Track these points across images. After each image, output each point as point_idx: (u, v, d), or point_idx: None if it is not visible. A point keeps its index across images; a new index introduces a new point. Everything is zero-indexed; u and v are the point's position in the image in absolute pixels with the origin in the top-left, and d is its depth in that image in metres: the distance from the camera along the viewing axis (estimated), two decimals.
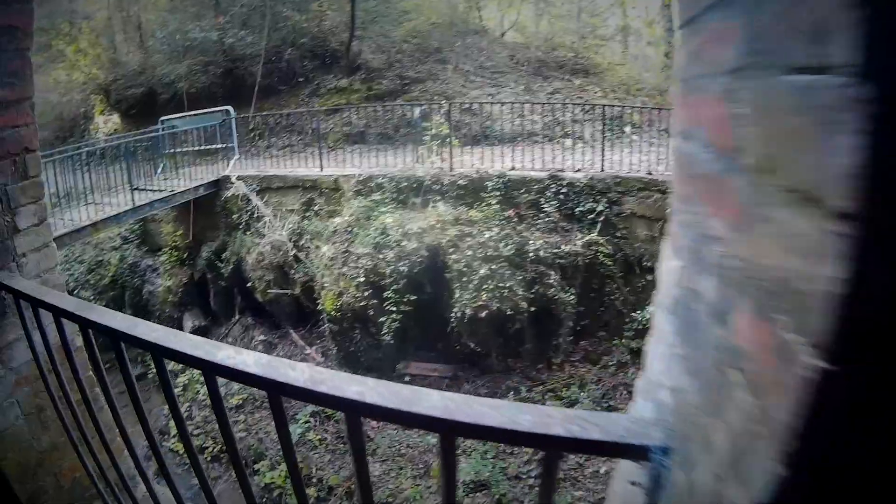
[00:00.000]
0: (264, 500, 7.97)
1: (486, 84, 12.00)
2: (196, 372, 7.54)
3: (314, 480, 7.89)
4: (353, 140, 11.12)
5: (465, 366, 8.78)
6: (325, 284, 9.03)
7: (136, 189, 9.80)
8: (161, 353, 1.16)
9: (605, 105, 10.02)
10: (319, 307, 9.24)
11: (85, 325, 1.41)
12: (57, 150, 10.26)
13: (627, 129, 10.57)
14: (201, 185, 10.48)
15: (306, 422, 8.57)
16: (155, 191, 10.20)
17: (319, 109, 11.23)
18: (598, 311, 8.62)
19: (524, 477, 7.63)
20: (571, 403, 8.09)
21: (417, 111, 10.27)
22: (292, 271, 9.79)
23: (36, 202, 2.14)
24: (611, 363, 8.47)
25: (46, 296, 1.57)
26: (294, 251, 9.65)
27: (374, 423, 8.23)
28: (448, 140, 9.08)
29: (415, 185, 8.82)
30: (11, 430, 2.15)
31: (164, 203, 10.05)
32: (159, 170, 11.53)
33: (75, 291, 11.63)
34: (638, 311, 8.29)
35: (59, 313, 1.51)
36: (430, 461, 7.84)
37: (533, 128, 10.53)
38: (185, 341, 1.14)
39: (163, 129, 11.69)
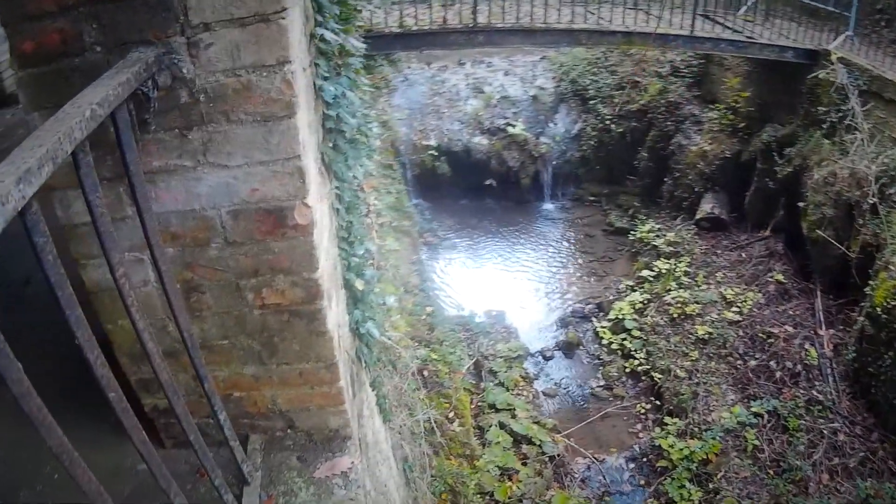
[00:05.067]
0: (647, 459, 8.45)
1: None
2: (683, 263, 9.18)
3: (710, 489, 7.80)
4: None
5: None
6: (892, 265, 8.07)
7: (701, 16, 10.15)
8: None
9: None
10: (867, 288, 8.42)
11: None
12: None
13: None
14: (790, 49, 10.19)
15: (758, 414, 8.40)
16: (727, 28, 10.40)
17: None
18: None
19: None
20: None
21: None
22: (860, 220, 8.96)
23: None
24: None
25: None
26: (875, 196, 8.75)
27: None
28: None
29: None
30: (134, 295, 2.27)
31: (734, 48, 10.27)
32: (743, 7, 11.58)
33: (592, 102, 13.21)
34: None
35: None
36: None
37: None
38: None
39: None
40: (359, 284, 3.25)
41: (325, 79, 2.69)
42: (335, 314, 2.51)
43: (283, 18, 1.78)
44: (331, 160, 2.79)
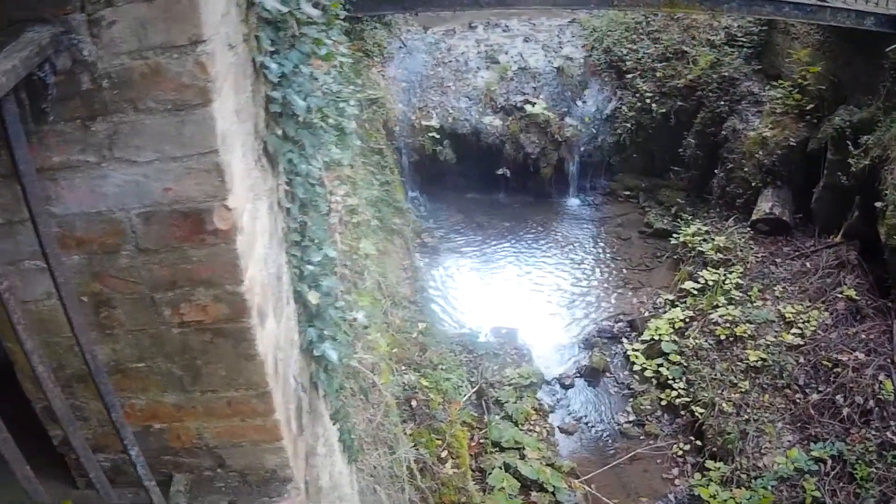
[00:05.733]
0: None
1: None
2: (735, 274, 10.03)
3: None
4: None
5: None
6: None
7: None
8: None
9: None
10: None
11: None
12: None
13: None
14: (870, 15, 10.04)
15: (820, 459, 8.37)
16: None
17: None
18: None
19: None
20: None
21: None
22: None
23: None
24: None
25: None
26: None
27: None
28: None
29: None
30: (35, 309, 2.32)
31: (800, 12, 10.14)
32: None
33: (630, 76, 13.31)
34: None
35: None
36: None
37: None
38: None
39: None
40: (312, 298, 3.35)
41: (273, 53, 2.79)
42: (271, 334, 2.61)
43: None
44: (276, 150, 2.89)
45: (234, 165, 2.20)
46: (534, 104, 13.05)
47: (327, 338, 3.60)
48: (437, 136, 12.81)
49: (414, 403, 7.44)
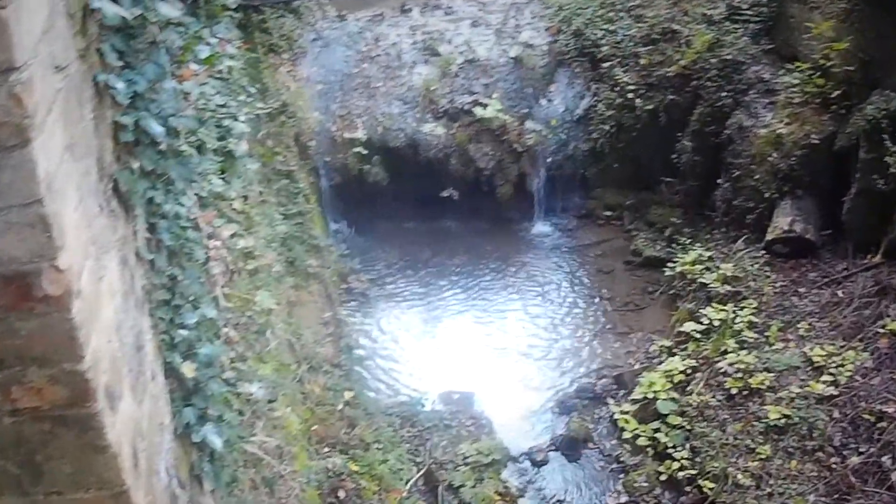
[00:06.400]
0: None
1: None
2: (747, 310, 10.37)
3: None
4: None
5: None
6: None
7: None
8: None
9: None
10: None
11: None
12: None
13: None
14: None
15: None
16: None
17: None
18: None
19: None
20: None
21: None
22: None
23: None
24: None
25: None
26: None
27: None
28: None
29: None
30: None
31: None
32: None
33: (607, 65, 13.44)
34: None
35: None
36: None
37: None
38: None
39: None
40: (187, 370, 3.44)
41: (123, 68, 2.87)
42: (128, 418, 2.69)
43: (3, 8, 1.95)
44: (131, 189, 2.97)
45: (65, 215, 2.27)
46: (486, 106, 13.13)
47: (210, 418, 3.68)
48: (365, 152, 12.85)
49: (341, 494, 7.46)
